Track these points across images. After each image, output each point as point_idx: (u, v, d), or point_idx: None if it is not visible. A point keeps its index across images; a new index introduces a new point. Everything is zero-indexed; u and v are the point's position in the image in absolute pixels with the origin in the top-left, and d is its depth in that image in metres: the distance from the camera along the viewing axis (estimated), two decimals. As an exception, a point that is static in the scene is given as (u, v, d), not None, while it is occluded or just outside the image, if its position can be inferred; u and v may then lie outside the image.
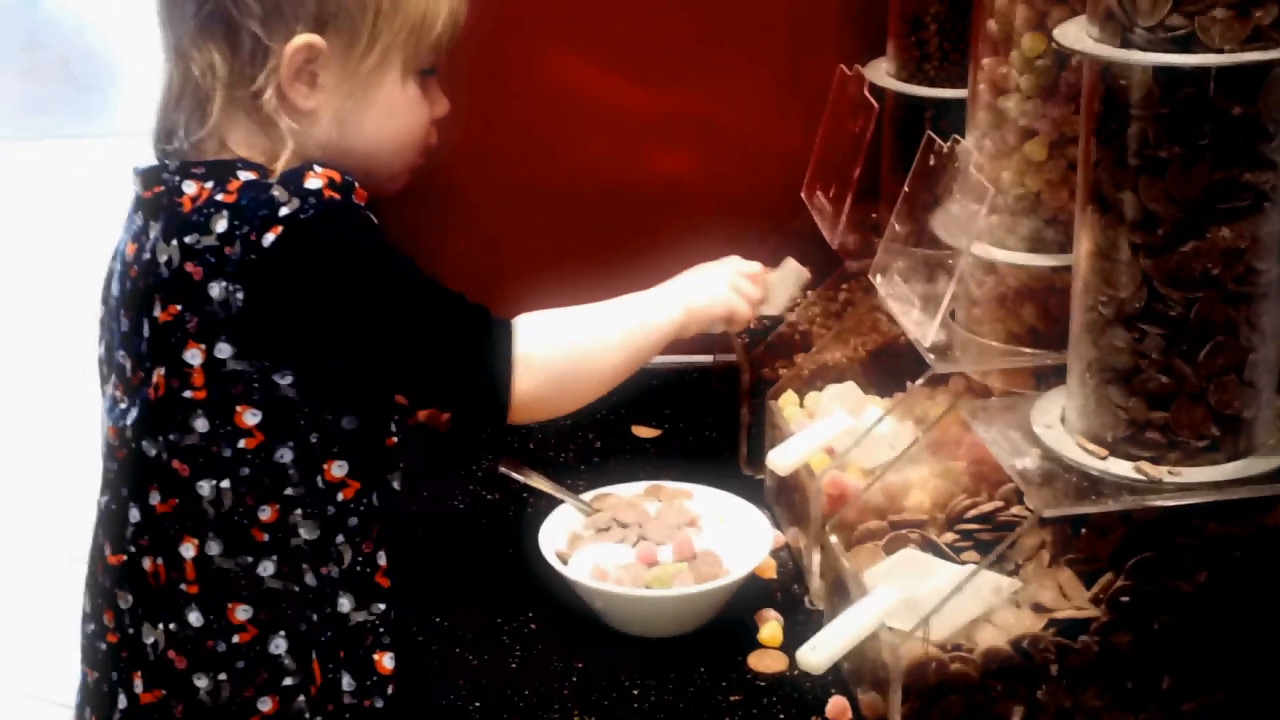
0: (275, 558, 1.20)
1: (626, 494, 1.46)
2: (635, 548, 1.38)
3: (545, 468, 1.56)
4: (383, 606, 1.24)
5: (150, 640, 1.22)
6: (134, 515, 1.21)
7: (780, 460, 1.40)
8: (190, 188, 1.20)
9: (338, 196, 1.19)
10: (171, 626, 1.21)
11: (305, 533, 1.20)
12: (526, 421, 1.27)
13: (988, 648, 1.17)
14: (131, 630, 1.23)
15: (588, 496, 1.46)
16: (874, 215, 1.64)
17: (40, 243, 4.38)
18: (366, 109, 1.25)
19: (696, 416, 1.74)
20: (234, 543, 1.20)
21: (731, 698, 1.28)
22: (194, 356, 1.18)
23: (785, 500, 1.50)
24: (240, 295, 1.16)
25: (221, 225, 1.17)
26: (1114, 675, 1.17)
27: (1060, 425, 1.23)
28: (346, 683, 1.22)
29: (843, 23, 1.79)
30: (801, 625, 1.35)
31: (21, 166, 4.86)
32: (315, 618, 1.21)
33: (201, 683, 1.21)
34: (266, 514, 1.20)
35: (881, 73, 1.61)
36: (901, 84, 1.59)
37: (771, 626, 1.36)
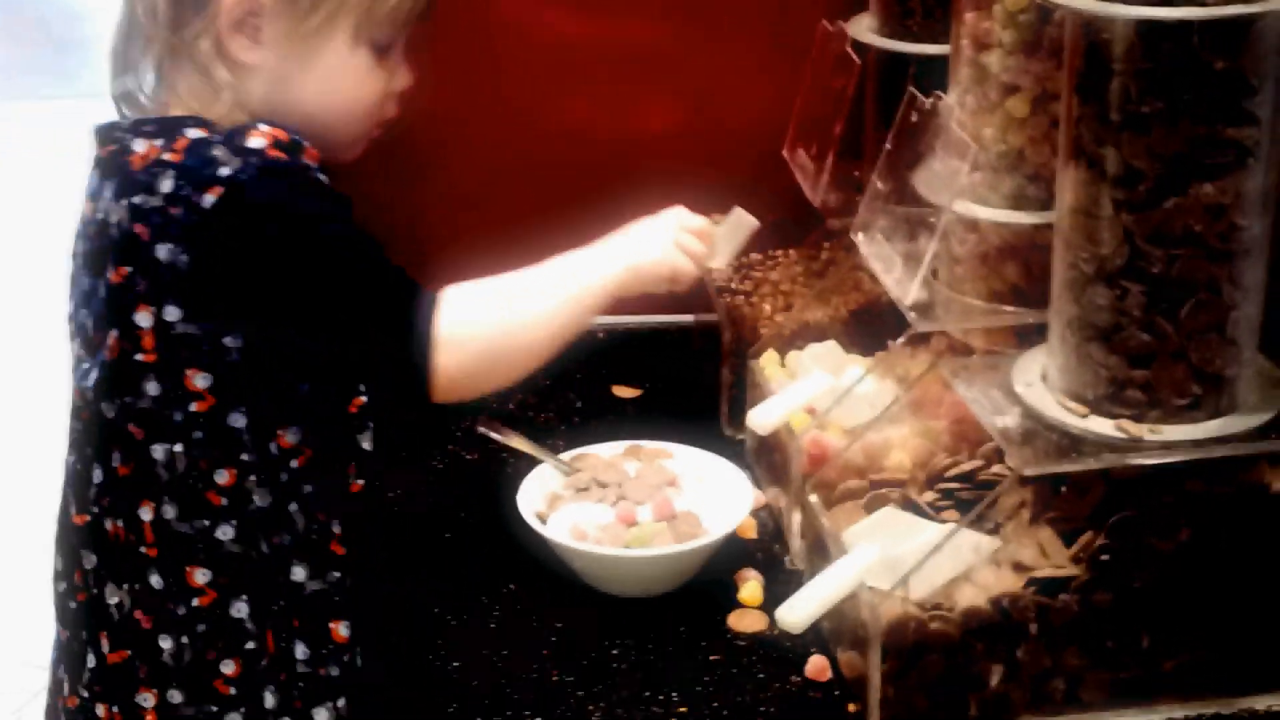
0: (234, 522, 1.20)
1: (606, 454, 1.45)
2: (615, 507, 1.37)
3: (525, 427, 1.55)
4: (338, 575, 1.23)
5: (114, 600, 1.22)
6: (97, 476, 1.21)
7: (760, 420, 1.39)
8: (140, 146, 1.19)
9: (283, 156, 1.17)
10: (136, 587, 1.21)
11: (258, 499, 1.19)
12: (455, 400, 1.20)
13: (967, 607, 1.16)
14: (96, 590, 1.23)
15: (567, 456, 1.45)
16: (857, 173, 1.62)
17: (18, 204, 4.36)
18: (308, 71, 1.22)
19: (677, 376, 1.73)
20: (190, 507, 1.20)
21: (711, 657, 1.28)
22: (144, 319, 1.17)
23: (766, 460, 1.49)
24: (185, 258, 1.15)
25: (167, 185, 1.16)
26: (1094, 634, 1.17)
27: (1041, 384, 1.22)
28: (300, 651, 1.22)
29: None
30: (782, 585, 1.34)
31: (2, 128, 4.83)
32: (269, 586, 1.21)
33: (165, 644, 1.21)
34: (224, 478, 1.19)
35: (864, 29, 1.59)
36: (884, 40, 1.57)
37: (751, 586, 1.35)
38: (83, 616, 1.24)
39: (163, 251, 1.15)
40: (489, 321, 1.21)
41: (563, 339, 1.26)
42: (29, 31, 5.42)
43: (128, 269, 1.17)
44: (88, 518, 1.22)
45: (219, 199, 1.13)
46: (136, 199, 1.16)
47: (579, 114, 1.82)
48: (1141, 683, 1.19)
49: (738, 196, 1.78)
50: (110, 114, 1.26)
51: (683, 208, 1.37)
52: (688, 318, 1.81)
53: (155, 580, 1.20)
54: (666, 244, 1.33)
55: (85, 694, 1.25)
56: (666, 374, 1.74)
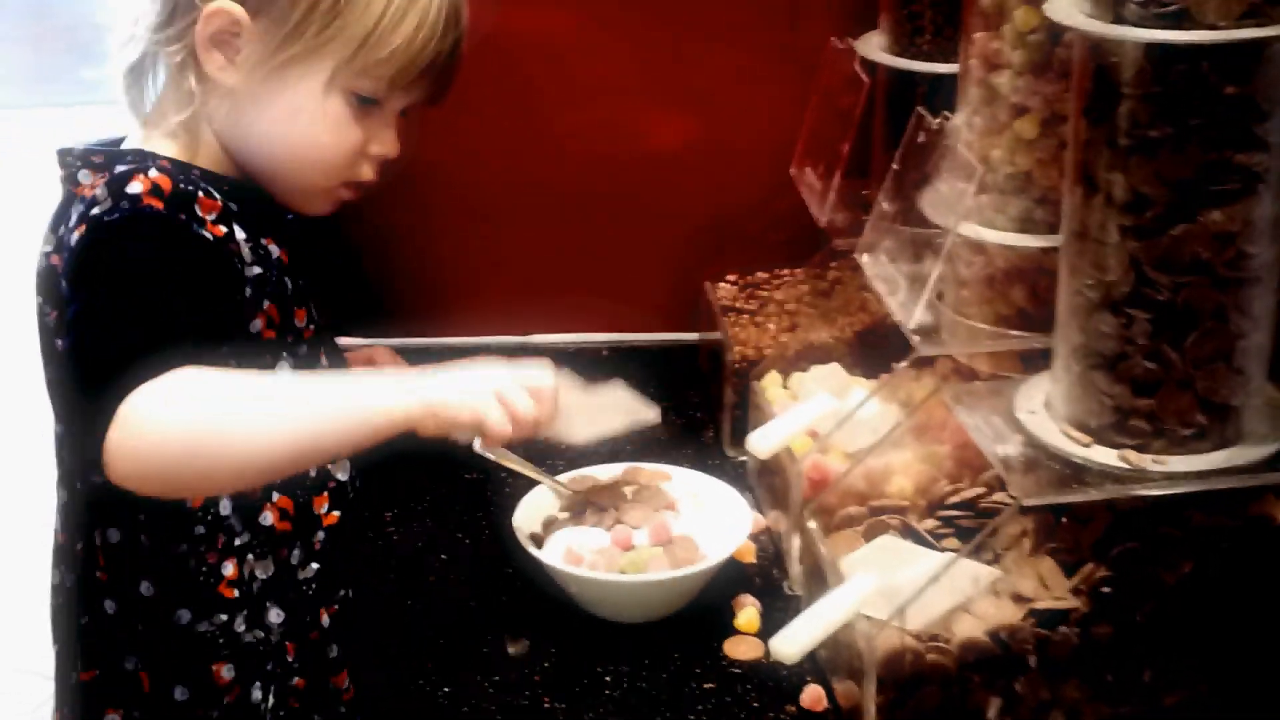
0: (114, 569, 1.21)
1: (604, 476, 1.43)
2: (611, 531, 1.35)
3: (523, 447, 1.52)
4: (224, 618, 1.21)
5: (84, 620, 1.23)
6: (61, 496, 1.21)
7: (759, 444, 1.37)
8: (85, 177, 1.18)
9: (158, 205, 1.13)
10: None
11: (145, 539, 1.19)
12: (141, 492, 1.07)
13: (965, 638, 1.14)
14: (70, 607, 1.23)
15: (565, 478, 1.43)
16: (865, 193, 1.60)
17: (42, 210, 4.35)
18: (270, 103, 1.19)
19: (682, 395, 1.71)
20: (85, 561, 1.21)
21: (705, 685, 1.26)
22: (55, 351, 1.18)
23: (767, 483, 1.47)
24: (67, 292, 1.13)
25: (74, 218, 1.15)
26: (1094, 667, 1.15)
27: (1044, 411, 1.20)
28: (179, 693, 1.21)
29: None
30: (780, 611, 1.32)
31: (26, 134, 4.83)
32: (141, 627, 1.20)
33: (128, 665, 1.22)
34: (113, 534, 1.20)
35: (874, 46, 1.57)
36: (894, 58, 1.55)
37: (749, 612, 1.33)
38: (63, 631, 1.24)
39: (63, 284, 1.14)
40: (188, 416, 1.05)
41: (306, 458, 1.14)
42: (54, 39, 5.43)
43: (41, 299, 1.18)
44: (64, 537, 1.23)
45: (81, 237, 1.12)
46: (61, 229, 1.17)
47: (587, 130, 1.80)
48: (1142, 718, 1.16)
49: (746, 214, 1.77)
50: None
51: (546, 363, 1.22)
52: (693, 336, 1.79)
53: (109, 604, 1.21)
54: (482, 392, 1.16)
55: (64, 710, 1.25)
56: (671, 394, 1.71)
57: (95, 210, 1.11)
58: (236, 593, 1.20)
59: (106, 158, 1.18)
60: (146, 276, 1.10)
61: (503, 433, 1.16)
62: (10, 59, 5.56)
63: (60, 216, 1.18)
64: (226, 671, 1.20)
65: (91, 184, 1.15)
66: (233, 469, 1.07)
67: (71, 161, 1.19)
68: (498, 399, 1.16)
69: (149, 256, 1.11)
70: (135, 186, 1.12)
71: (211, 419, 1.05)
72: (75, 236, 1.11)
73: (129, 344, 1.06)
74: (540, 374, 1.20)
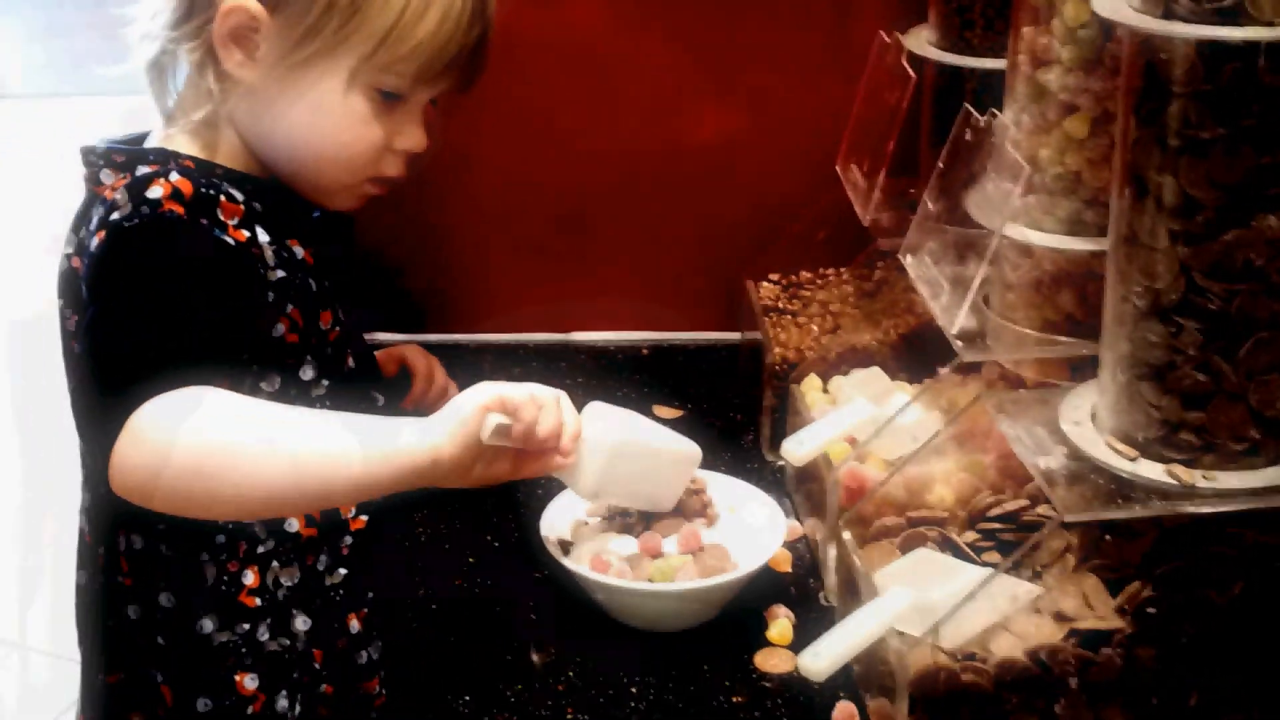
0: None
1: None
2: (639, 538, 1.31)
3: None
4: (246, 627, 1.18)
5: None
6: (85, 498, 1.20)
7: (794, 450, 1.33)
8: (108, 177, 1.15)
9: (178, 210, 1.10)
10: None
11: (166, 549, 1.16)
12: (140, 504, 1.03)
13: (1003, 657, 1.10)
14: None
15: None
16: (911, 191, 1.55)
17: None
18: (291, 101, 1.16)
19: (722, 397, 1.68)
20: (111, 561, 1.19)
21: (735, 698, 1.22)
22: (74, 354, 1.16)
23: (805, 489, 1.43)
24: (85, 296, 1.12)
25: (95, 221, 1.12)
26: (1138, 691, 1.10)
27: (1090, 422, 1.15)
28: (201, 704, 1.18)
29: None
30: (814, 623, 1.28)
31: (65, 121, 4.86)
32: (161, 640, 1.17)
33: (151, 674, 1.20)
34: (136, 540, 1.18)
35: (922, 41, 1.53)
36: (942, 53, 1.50)
37: (781, 624, 1.29)
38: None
39: (83, 288, 1.12)
40: (193, 438, 1.01)
41: (311, 498, 1.08)
42: (110, 24, 5.46)
43: (62, 301, 1.17)
44: (90, 538, 1.21)
45: (100, 243, 1.10)
46: (82, 232, 1.14)
47: (630, 126, 1.77)
48: (1188, 745, 1.12)
49: (789, 212, 1.73)
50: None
51: (561, 394, 1.15)
52: (734, 336, 1.75)
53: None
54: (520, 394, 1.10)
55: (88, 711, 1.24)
56: (710, 394, 1.68)
57: (115, 215, 1.09)
58: (259, 601, 1.18)
59: (128, 157, 1.15)
60: (164, 285, 1.08)
61: (527, 430, 1.10)
62: (77, 45, 5.59)
63: (82, 217, 1.16)
64: (250, 681, 1.18)
65: (113, 184, 1.13)
66: (233, 498, 1.05)
67: (94, 160, 1.16)
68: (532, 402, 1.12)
69: (168, 264, 1.09)
70: (156, 191, 1.10)
71: (216, 444, 1.02)
72: (95, 241, 1.09)
73: (143, 356, 1.04)
74: (557, 407, 1.14)
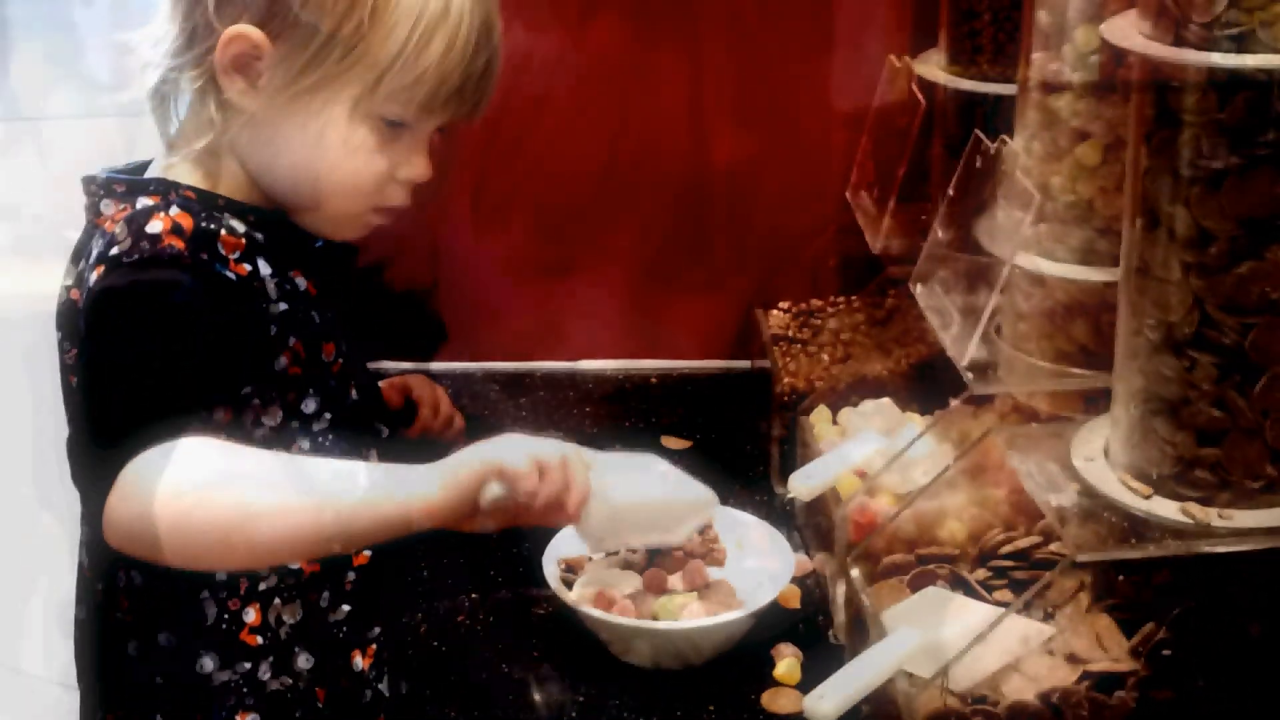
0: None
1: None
2: (644, 574, 1.29)
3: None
4: (248, 666, 1.15)
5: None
6: (84, 532, 1.17)
7: (802, 484, 1.31)
8: (108, 208, 1.13)
9: (179, 245, 1.08)
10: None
11: (165, 586, 1.13)
12: (134, 556, 1.02)
13: (1014, 701, 1.07)
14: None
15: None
16: (923, 218, 1.53)
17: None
18: (294, 130, 1.14)
19: (731, 427, 1.65)
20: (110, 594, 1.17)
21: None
22: (72, 389, 1.13)
23: (814, 524, 1.40)
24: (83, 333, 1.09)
25: (94, 255, 1.10)
26: (1153, 735, 1.07)
27: (1103, 458, 1.13)
28: None
29: (897, 8, 1.68)
30: (823, 661, 1.25)
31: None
32: (160, 679, 1.15)
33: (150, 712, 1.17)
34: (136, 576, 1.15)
35: (933, 65, 1.50)
36: (952, 77, 1.48)
37: (789, 662, 1.26)
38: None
39: (81, 322, 1.10)
40: (183, 493, 1.00)
41: (302, 550, 1.07)
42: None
43: (60, 334, 1.13)
44: (90, 573, 1.19)
45: (99, 278, 1.08)
46: (81, 264, 1.12)
47: (640, 153, 1.75)
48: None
49: (800, 239, 1.70)
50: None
51: (570, 447, 1.11)
52: (744, 364, 1.73)
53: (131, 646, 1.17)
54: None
55: None
56: (720, 425, 1.65)
57: (114, 250, 1.07)
58: (260, 639, 1.15)
59: (129, 187, 1.13)
60: (160, 330, 1.06)
61: (527, 500, 1.07)
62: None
63: (81, 249, 1.14)
64: None
65: (113, 215, 1.11)
66: (221, 554, 1.03)
67: (95, 190, 1.15)
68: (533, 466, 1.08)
69: (164, 308, 1.07)
70: (155, 226, 1.08)
71: (207, 499, 1.00)
72: (94, 276, 1.07)
73: (135, 408, 1.03)
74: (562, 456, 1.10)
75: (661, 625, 1.23)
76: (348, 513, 1.03)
